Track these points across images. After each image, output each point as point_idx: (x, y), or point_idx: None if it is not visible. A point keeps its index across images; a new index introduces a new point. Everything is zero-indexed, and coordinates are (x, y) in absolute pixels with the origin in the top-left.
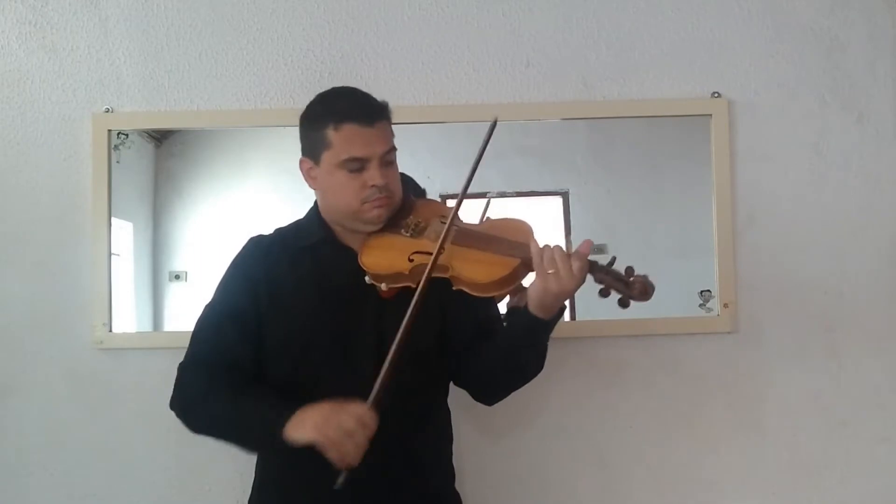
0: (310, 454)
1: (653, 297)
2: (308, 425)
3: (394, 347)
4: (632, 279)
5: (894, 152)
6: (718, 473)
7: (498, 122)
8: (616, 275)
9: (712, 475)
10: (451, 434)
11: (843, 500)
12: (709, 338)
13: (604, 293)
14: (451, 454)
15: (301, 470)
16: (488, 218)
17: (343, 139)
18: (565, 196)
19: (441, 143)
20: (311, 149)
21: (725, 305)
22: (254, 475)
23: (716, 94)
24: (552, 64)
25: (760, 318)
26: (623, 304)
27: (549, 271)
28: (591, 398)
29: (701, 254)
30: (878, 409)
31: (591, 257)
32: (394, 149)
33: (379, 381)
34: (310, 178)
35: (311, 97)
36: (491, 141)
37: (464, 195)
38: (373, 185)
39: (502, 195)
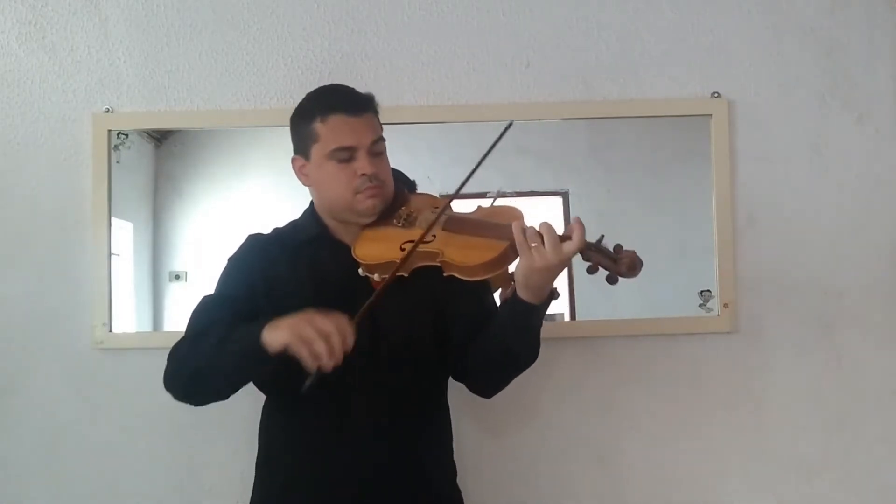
0: (310, 458)
1: (636, 266)
2: (282, 325)
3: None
4: (619, 255)
5: (894, 152)
6: (718, 473)
7: (512, 125)
8: (604, 251)
9: (712, 475)
10: (451, 431)
11: (843, 500)
12: (709, 338)
13: (591, 270)
14: (452, 451)
15: (304, 477)
16: (480, 206)
17: (330, 130)
18: (565, 196)
19: (441, 143)
20: (302, 145)
21: (725, 305)
22: (254, 477)
23: (716, 94)
24: (552, 64)
25: (760, 318)
26: (611, 280)
27: (532, 244)
28: (590, 397)
29: (701, 254)
30: (877, 409)
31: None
32: (382, 139)
33: (366, 305)
34: (302, 174)
35: None
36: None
37: (462, 187)
38: (362, 174)
39: (502, 195)
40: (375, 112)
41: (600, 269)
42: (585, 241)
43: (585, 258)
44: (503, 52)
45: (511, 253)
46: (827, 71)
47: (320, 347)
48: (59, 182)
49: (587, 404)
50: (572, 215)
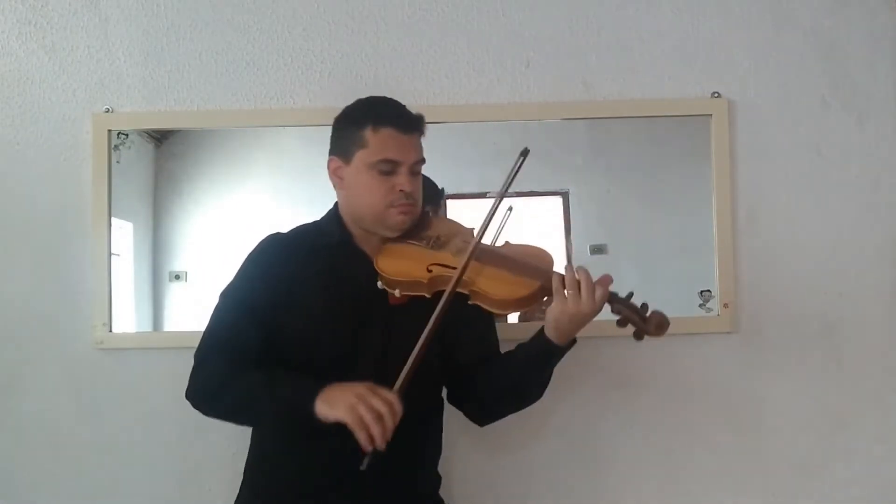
0: (300, 460)
1: (664, 326)
2: (340, 404)
3: (421, 340)
4: (649, 314)
5: (894, 152)
6: (718, 474)
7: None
8: (634, 308)
9: (712, 475)
10: (441, 445)
11: (843, 500)
12: (709, 338)
13: (621, 323)
14: (437, 464)
15: (289, 477)
16: (507, 242)
17: (380, 140)
18: (565, 196)
19: (441, 144)
20: (344, 147)
21: (725, 305)
22: (242, 477)
23: (716, 94)
24: (552, 64)
25: (760, 318)
26: (638, 336)
27: (570, 291)
28: (589, 397)
29: (701, 254)
30: (878, 409)
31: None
32: (423, 160)
33: (405, 370)
34: (336, 177)
35: (312, 97)
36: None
37: (490, 218)
38: (401, 190)
39: (501, 196)
40: (422, 133)
41: (629, 324)
42: (611, 292)
43: (615, 311)
44: (503, 52)
45: (541, 293)
46: (827, 71)
47: (377, 431)
48: (59, 182)
49: (585, 404)
50: (572, 215)
